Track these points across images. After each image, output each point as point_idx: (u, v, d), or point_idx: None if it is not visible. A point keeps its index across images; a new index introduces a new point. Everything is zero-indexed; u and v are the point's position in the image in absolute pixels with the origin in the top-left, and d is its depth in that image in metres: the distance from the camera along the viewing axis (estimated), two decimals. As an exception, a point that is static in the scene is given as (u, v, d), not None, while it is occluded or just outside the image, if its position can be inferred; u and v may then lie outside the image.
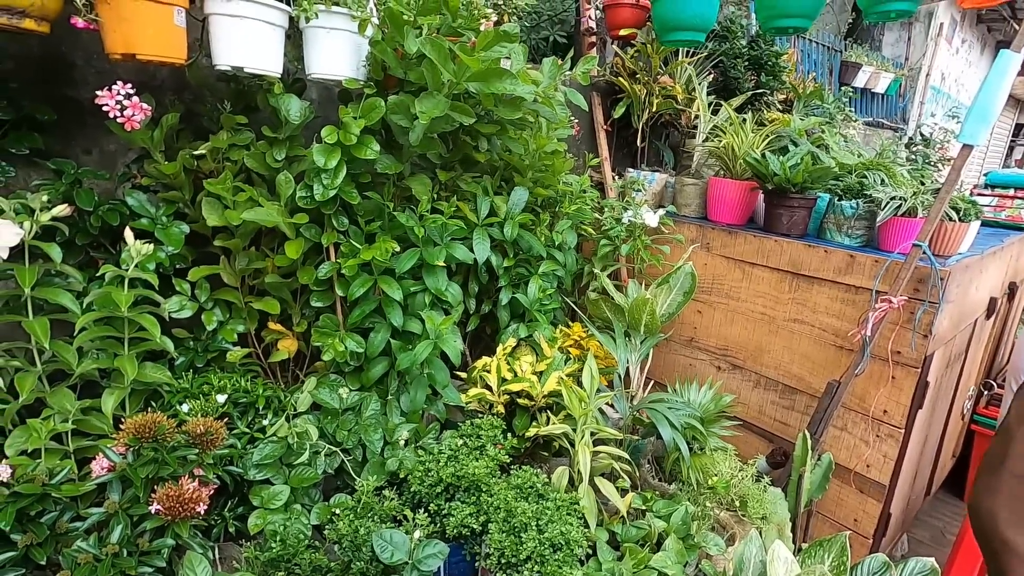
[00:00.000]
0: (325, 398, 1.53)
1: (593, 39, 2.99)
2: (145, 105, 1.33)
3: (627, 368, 2.01)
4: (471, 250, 1.79)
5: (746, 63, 3.03)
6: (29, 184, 1.52)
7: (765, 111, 3.13)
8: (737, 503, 1.72)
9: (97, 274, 1.43)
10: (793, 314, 2.14)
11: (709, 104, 2.72)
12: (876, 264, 1.88)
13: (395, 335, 1.72)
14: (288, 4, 1.45)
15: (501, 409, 1.86)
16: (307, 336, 1.72)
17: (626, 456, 1.75)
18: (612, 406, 2.10)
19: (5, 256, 1.24)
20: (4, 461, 1.04)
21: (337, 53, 1.46)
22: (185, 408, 1.40)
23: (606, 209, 2.38)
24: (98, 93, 1.30)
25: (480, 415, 1.83)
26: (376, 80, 1.52)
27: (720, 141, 2.44)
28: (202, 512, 1.10)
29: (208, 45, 1.40)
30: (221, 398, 1.39)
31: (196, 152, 1.49)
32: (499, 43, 1.28)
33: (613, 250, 2.38)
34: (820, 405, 1.94)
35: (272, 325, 1.65)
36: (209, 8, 1.34)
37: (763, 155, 2.18)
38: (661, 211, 2.35)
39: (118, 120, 1.31)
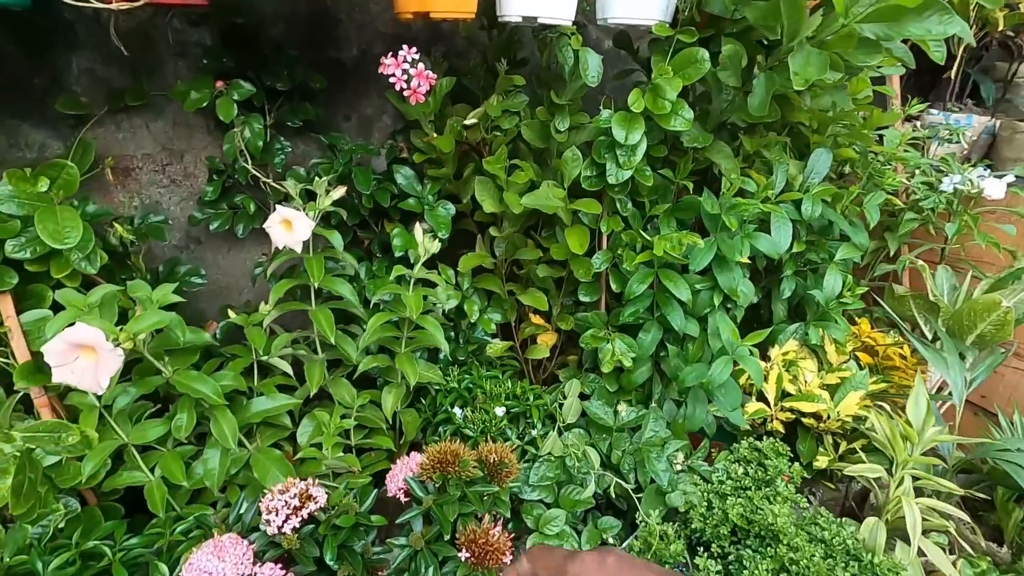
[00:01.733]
0: (598, 412, 1.33)
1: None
2: (431, 74, 1.12)
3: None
4: (768, 233, 1.42)
5: None
6: (304, 161, 1.45)
7: None
8: None
9: (374, 268, 1.33)
10: None
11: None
12: None
13: (666, 334, 1.46)
14: (591, -74, 1.13)
15: (778, 427, 1.54)
16: (563, 328, 1.53)
17: (963, 515, 1.35)
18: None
19: (300, 250, 1.16)
20: (308, 481, 0.99)
21: (647, -11, 1.12)
22: (459, 413, 1.28)
23: (916, 171, 1.82)
24: (383, 61, 1.12)
25: (753, 431, 1.54)
26: (692, 22, 1.16)
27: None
28: (508, 562, 0.97)
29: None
30: (500, 411, 1.25)
31: (467, 122, 1.28)
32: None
33: (920, 226, 1.83)
34: None
35: (533, 318, 1.47)
36: (504, -57, 1.06)
37: None
38: (1009, 177, 1.73)
39: (404, 93, 1.12)
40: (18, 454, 0.74)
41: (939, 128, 2.05)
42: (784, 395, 1.54)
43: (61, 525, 0.95)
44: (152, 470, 1.11)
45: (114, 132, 1.32)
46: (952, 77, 2.15)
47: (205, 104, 1.21)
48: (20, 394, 1.03)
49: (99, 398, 1.06)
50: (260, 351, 1.24)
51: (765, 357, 1.64)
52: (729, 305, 1.48)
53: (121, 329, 0.94)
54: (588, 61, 1.14)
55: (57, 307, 1.05)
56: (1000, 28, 1.93)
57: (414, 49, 1.12)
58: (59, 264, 1.04)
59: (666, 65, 1.11)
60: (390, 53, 1.12)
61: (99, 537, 0.94)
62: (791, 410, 1.52)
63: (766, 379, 1.57)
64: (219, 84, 1.23)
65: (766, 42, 1.19)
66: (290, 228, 1.13)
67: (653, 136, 1.25)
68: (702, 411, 1.42)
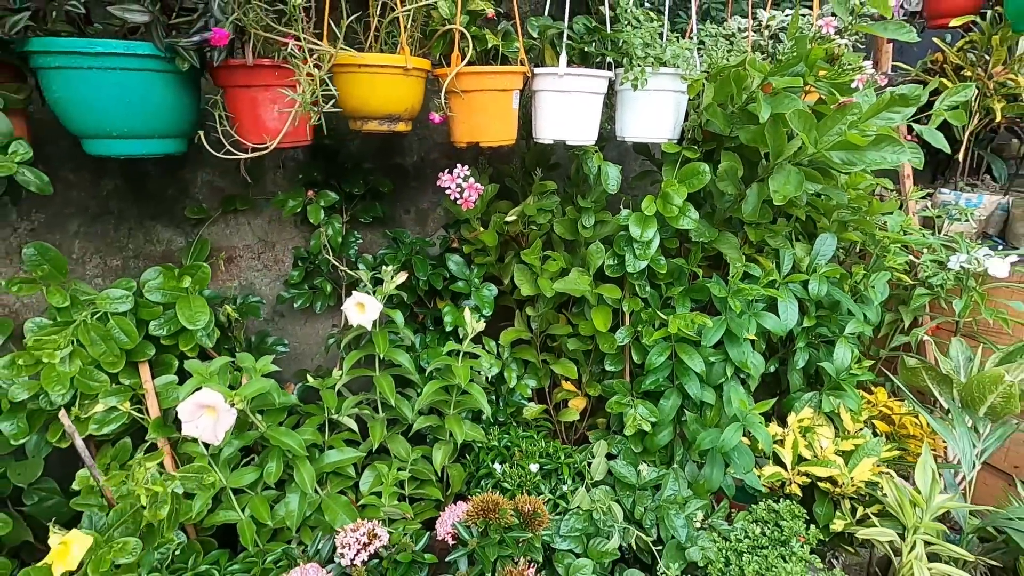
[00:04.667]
0: (623, 471, 1.49)
1: (898, 30, 2.47)
2: (479, 186, 1.39)
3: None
4: (776, 313, 1.58)
5: None
6: (373, 248, 1.73)
7: None
8: None
9: (427, 339, 1.56)
10: None
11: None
12: None
13: (685, 401, 1.62)
14: (609, 69, 1.40)
15: (796, 490, 1.64)
16: (591, 395, 1.71)
17: (976, 582, 1.42)
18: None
19: (369, 327, 1.41)
20: (375, 521, 1.19)
21: (657, 114, 1.37)
22: (498, 468, 1.47)
23: (925, 250, 1.96)
24: (441, 176, 1.39)
25: (772, 493, 1.65)
26: (695, 141, 1.40)
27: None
28: (539, 601, 1.13)
29: (530, 120, 1.41)
30: (534, 467, 1.44)
31: (508, 218, 1.53)
32: (892, 108, 1.05)
33: (934, 299, 1.95)
34: None
35: (565, 385, 1.66)
36: (537, 85, 1.34)
37: None
38: (1012, 256, 1.85)
39: (457, 201, 1.39)
40: (173, 490, 0.98)
41: (950, 207, 2.19)
42: (800, 460, 1.66)
43: (177, 552, 1.18)
44: (243, 510, 1.34)
45: (223, 229, 1.64)
46: (960, 159, 2.30)
47: (299, 210, 1.51)
48: (149, 443, 1.29)
49: (207, 447, 1.31)
50: (332, 410, 1.48)
51: (784, 423, 1.77)
52: (743, 375, 1.63)
53: (235, 392, 1.19)
54: (608, 173, 1.39)
55: (180, 373, 1.33)
56: (998, 119, 2.09)
57: (466, 168, 1.39)
58: (186, 339, 1.32)
59: (673, 178, 1.34)
60: (447, 170, 1.40)
61: (207, 564, 1.16)
62: (807, 474, 1.63)
63: (783, 444, 1.69)
64: (310, 193, 1.53)
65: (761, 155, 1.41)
66: (363, 310, 1.39)
67: (667, 231, 1.47)
68: (719, 473, 1.56)
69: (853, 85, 1.16)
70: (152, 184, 1.53)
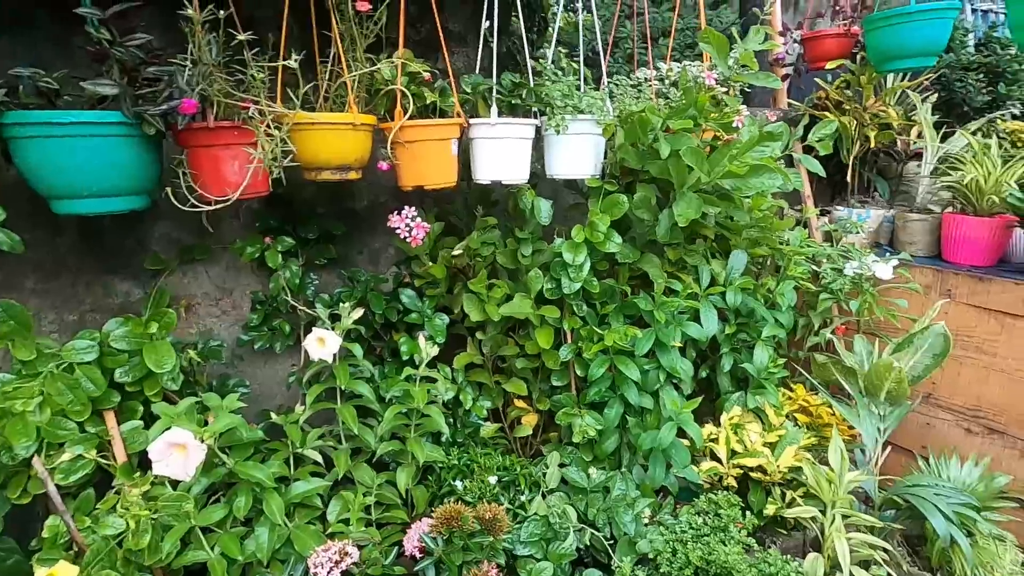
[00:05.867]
0: (575, 477, 1.62)
1: (787, 71, 2.84)
2: (426, 225, 1.53)
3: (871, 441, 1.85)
4: (699, 323, 1.78)
5: (979, 74, 2.65)
6: (329, 289, 1.83)
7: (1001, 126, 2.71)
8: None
9: (385, 370, 1.67)
10: (1086, 381, 1.82)
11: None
12: None
13: (627, 408, 1.78)
14: (535, 117, 1.59)
15: (732, 483, 1.82)
16: (542, 410, 1.84)
17: (886, 545, 1.61)
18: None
19: (331, 361, 1.50)
20: (346, 541, 1.27)
21: (580, 155, 1.57)
22: (459, 485, 1.57)
23: (824, 260, 2.23)
24: (391, 218, 1.53)
25: (711, 487, 1.81)
26: (614, 176, 1.60)
27: (961, 175, 2.17)
28: (504, 598, 1.23)
29: (470, 164, 1.58)
30: (492, 479, 1.55)
31: (454, 252, 1.68)
32: (763, 143, 1.28)
33: (836, 303, 2.21)
34: None
35: (517, 403, 1.79)
36: (473, 134, 1.51)
37: (1032, 195, 1.90)
38: (894, 260, 2.14)
39: (406, 240, 1.53)
40: (155, 518, 1.04)
41: (844, 222, 2.49)
42: (734, 454, 1.84)
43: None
44: (212, 548, 1.38)
45: (181, 278, 1.71)
46: (849, 180, 2.64)
47: (257, 256, 1.61)
48: (116, 490, 1.33)
49: (175, 488, 1.36)
50: (297, 444, 1.55)
51: (719, 423, 1.95)
52: (676, 380, 1.81)
53: (204, 429, 1.26)
54: (540, 207, 1.57)
55: (145, 419, 1.38)
56: (872, 145, 2.44)
57: (413, 209, 1.54)
58: (151, 384, 1.38)
59: (598, 208, 1.53)
60: (396, 212, 1.54)
61: (182, 599, 1.20)
62: (740, 466, 1.81)
63: (717, 442, 1.87)
64: (267, 239, 1.63)
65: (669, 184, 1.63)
66: (323, 344, 1.49)
67: (597, 255, 1.65)
68: (662, 471, 1.71)
69: (735, 124, 1.39)
70: (110, 239, 1.60)
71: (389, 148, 1.38)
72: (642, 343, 1.64)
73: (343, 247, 1.87)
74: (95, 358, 1.30)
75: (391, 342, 1.80)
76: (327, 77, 1.32)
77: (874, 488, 1.77)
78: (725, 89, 1.44)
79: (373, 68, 1.31)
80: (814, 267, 2.24)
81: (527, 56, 1.57)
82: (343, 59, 1.29)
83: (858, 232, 2.44)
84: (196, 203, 1.24)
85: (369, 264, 1.96)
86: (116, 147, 1.16)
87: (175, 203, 1.21)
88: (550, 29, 2.59)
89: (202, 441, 1.23)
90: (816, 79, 2.66)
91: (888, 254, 2.54)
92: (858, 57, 2.53)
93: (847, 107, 2.57)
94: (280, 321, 1.74)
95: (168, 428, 1.24)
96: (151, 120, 1.14)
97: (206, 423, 1.35)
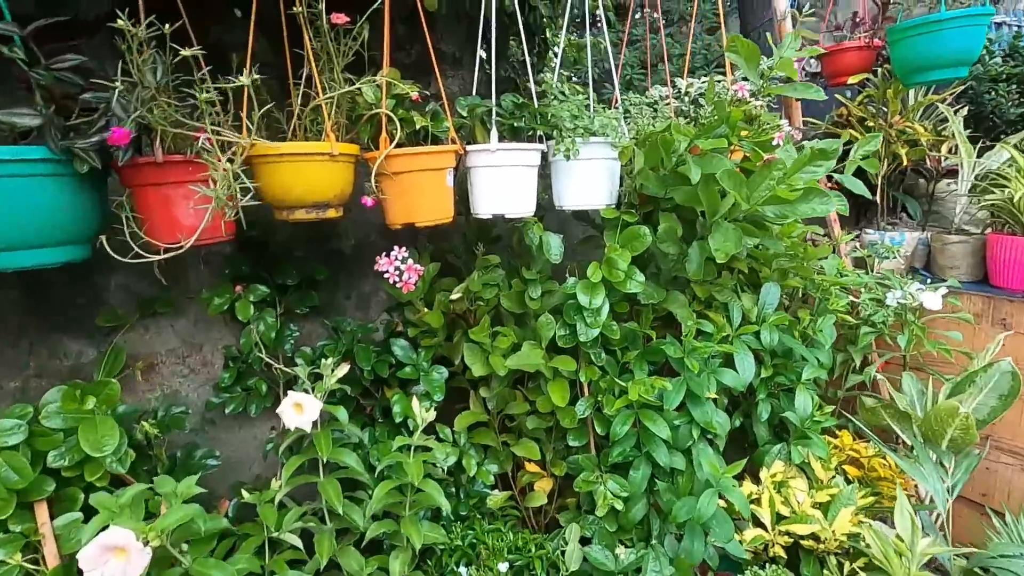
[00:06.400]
0: (599, 557, 1.38)
1: (803, 89, 2.67)
2: (419, 267, 1.33)
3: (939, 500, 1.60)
4: (732, 367, 1.56)
5: (1009, 85, 2.48)
6: (312, 340, 1.62)
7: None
8: None
9: (376, 433, 1.44)
10: None
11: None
12: None
13: (655, 468, 1.54)
14: (540, 141, 1.40)
15: (780, 552, 1.57)
16: (557, 474, 1.61)
17: (975, 633, 1.35)
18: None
19: (309, 429, 1.28)
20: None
21: (592, 182, 1.37)
22: (464, 572, 1.33)
23: (862, 290, 2.02)
24: (378, 260, 1.33)
25: (754, 556, 1.56)
26: (632, 204, 1.40)
27: (1009, 192, 1.97)
28: None
29: (467, 196, 1.38)
30: (503, 567, 1.30)
31: (452, 296, 1.47)
32: (815, 162, 1.08)
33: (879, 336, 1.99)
34: None
35: (529, 467, 1.56)
36: (471, 162, 1.32)
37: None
38: (942, 289, 1.92)
39: (397, 285, 1.32)
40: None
41: (877, 246, 2.29)
42: (780, 518, 1.59)
43: None
44: (167, 667, 1.13)
45: (142, 334, 1.50)
46: (878, 201, 2.45)
47: (227, 307, 1.40)
48: (47, 600, 1.09)
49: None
50: (272, 527, 1.31)
51: (757, 480, 1.71)
52: (710, 435, 1.58)
53: (150, 527, 1.03)
54: (550, 243, 1.36)
55: (89, 508, 1.15)
56: (904, 163, 2.25)
57: (404, 249, 1.33)
58: (92, 468, 1.15)
59: (615, 243, 1.32)
60: (384, 253, 1.33)
61: None
62: (788, 533, 1.56)
63: (759, 503, 1.62)
64: (238, 288, 1.43)
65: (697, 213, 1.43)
66: (300, 411, 1.27)
67: (615, 295, 1.44)
68: (700, 545, 1.46)
69: (774, 143, 1.20)
70: (57, 293, 1.39)
71: (373, 181, 1.18)
72: (672, 396, 1.41)
73: (328, 292, 1.67)
74: (23, 439, 1.08)
75: (383, 399, 1.58)
76: (299, 101, 1.13)
77: (950, 559, 1.51)
78: (760, 103, 1.25)
79: (352, 88, 1.12)
80: (852, 297, 2.02)
81: (530, 77, 1.39)
82: (317, 80, 1.10)
83: (894, 257, 2.23)
84: (141, 252, 1.04)
85: (358, 310, 1.75)
86: (41, 188, 0.96)
87: (111, 254, 1.01)
88: (551, 53, 2.44)
89: (146, 543, 1.00)
90: (836, 95, 2.49)
91: (929, 280, 2.33)
92: (880, 71, 2.37)
93: (871, 124, 2.40)
94: (256, 380, 1.52)
95: (106, 527, 1.01)
96: (83, 155, 0.94)
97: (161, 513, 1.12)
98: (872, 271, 2.25)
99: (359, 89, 1.16)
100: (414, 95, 1.17)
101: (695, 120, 1.43)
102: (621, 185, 1.44)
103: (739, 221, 1.25)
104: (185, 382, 1.56)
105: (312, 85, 1.11)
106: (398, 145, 1.22)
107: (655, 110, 1.50)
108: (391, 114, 1.17)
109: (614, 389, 1.46)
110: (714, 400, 1.51)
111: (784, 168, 1.09)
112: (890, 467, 1.77)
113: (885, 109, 2.39)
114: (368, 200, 1.22)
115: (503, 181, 1.30)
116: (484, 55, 1.35)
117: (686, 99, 1.48)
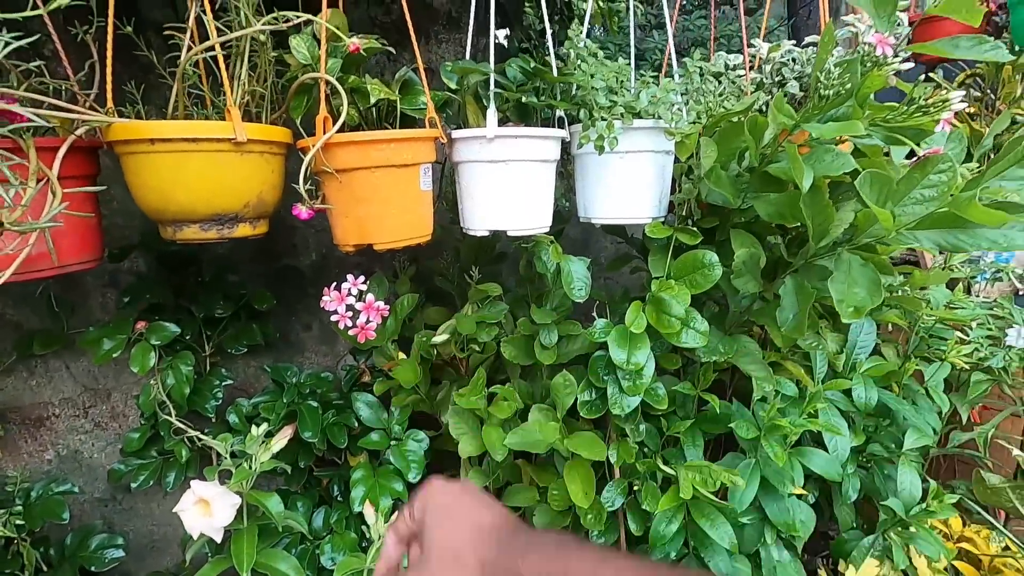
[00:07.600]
0: None
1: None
2: (382, 305, 0.93)
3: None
4: (819, 441, 1.14)
5: None
6: (256, 385, 1.23)
7: None
8: None
9: (331, 518, 1.05)
10: None
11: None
12: None
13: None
14: (560, 125, 0.99)
15: None
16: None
17: None
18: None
19: (219, 539, 0.89)
20: None
21: (635, 185, 0.95)
22: None
23: (974, 325, 1.56)
24: (323, 296, 0.93)
25: None
26: (688, 217, 0.98)
27: None
28: None
29: (453, 203, 0.98)
30: None
31: (435, 340, 1.07)
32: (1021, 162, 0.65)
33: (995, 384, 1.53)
34: None
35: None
36: (460, 155, 0.91)
37: None
38: (1088, 329, 1.46)
39: (349, 331, 0.92)
40: None
41: (980, 265, 1.82)
42: (880, 645, 1.17)
43: None
44: None
45: (25, 380, 1.12)
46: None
47: (118, 354, 1.01)
48: None
49: None
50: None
51: (833, 574, 1.29)
52: (787, 535, 1.16)
53: None
54: (572, 273, 0.95)
55: None
56: None
57: (361, 279, 0.93)
58: None
59: (665, 274, 0.90)
60: (332, 285, 0.93)
61: None
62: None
63: (849, 620, 1.20)
64: (140, 325, 1.04)
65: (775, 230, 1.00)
66: (208, 511, 0.88)
67: (662, 345, 1.02)
68: None
69: (939, 127, 0.77)
70: None
71: (302, 180, 0.78)
72: (743, 493, 0.99)
73: (279, 324, 1.28)
74: None
75: (343, 469, 1.19)
76: (186, 56, 0.73)
77: None
78: (909, 65, 0.82)
79: (260, 28, 0.71)
80: (959, 335, 1.57)
81: (549, 49, 0.97)
82: (210, 26, 0.70)
83: (1007, 278, 1.76)
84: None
85: (321, 344, 1.36)
86: None
87: None
88: (574, 23, 2.01)
89: None
90: (930, 75, 2.01)
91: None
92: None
93: (972, 110, 1.92)
94: (175, 443, 1.14)
95: None
96: None
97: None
98: (972, 295, 1.79)
99: (281, 35, 0.75)
100: (351, 46, 0.75)
101: (789, 98, 0.99)
102: (673, 191, 1.01)
103: (856, 248, 0.82)
104: (87, 440, 1.19)
105: (205, 27, 0.71)
106: (349, 128, 0.82)
107: (720, 83, 1.07)
108: (333, 80, 0.76)
109: (656, 474, 1.04)
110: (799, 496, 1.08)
111: (951, 168, 0.66)
112: (1020, 571, 1.33)
113: (993, 95, 1.91)
114: (302, 211, 0.81)
115: (505, 183, 0.89)
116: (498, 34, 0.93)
117: (767, 68, 1.04)
